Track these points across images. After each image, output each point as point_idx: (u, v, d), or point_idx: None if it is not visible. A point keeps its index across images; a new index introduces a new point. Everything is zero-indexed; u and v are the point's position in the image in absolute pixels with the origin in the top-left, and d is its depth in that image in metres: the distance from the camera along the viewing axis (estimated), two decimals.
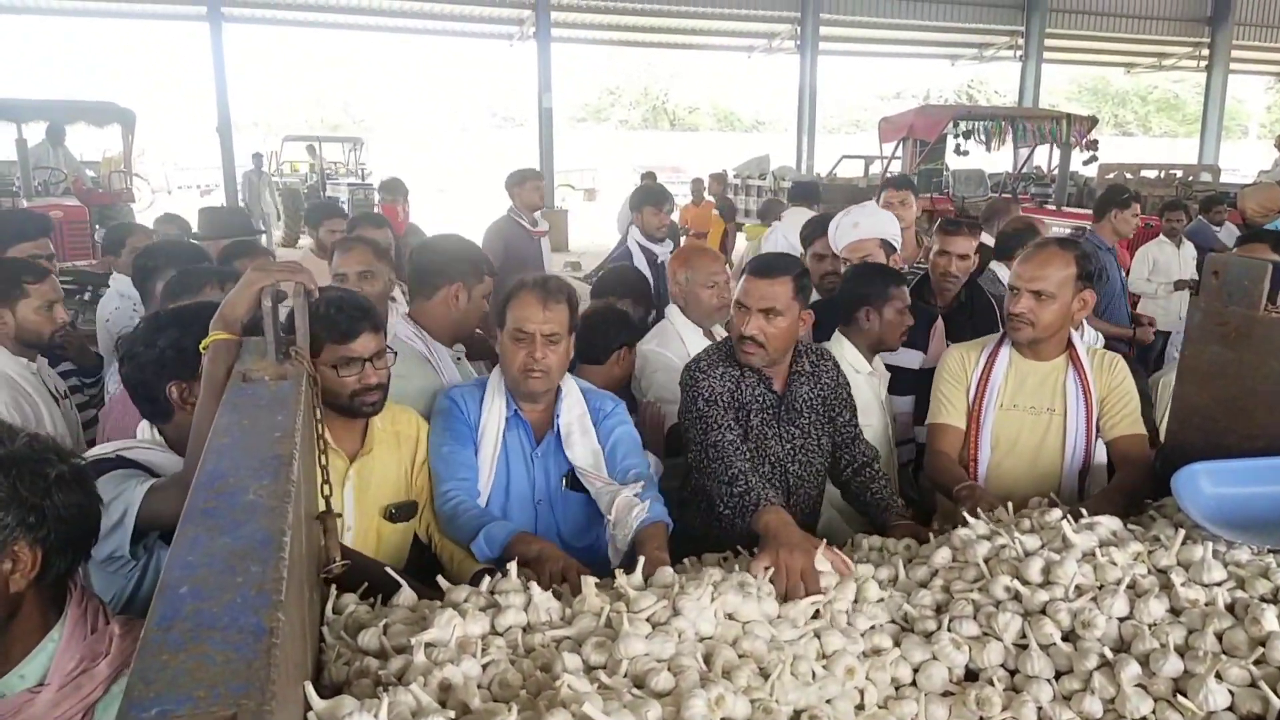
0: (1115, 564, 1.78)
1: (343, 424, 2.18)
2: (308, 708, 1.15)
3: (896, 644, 1.67)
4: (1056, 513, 2.03)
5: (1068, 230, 9.35)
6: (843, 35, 20.21)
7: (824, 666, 1.56)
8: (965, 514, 2.04)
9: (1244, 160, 25.34)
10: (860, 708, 1.54)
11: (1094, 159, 12.71)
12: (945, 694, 1.60)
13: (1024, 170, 13.56)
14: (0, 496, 1.34)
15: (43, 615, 1.44)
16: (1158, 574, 1.78)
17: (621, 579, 1.70)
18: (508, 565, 1.74)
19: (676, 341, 3.21)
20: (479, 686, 1.37)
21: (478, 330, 3.27)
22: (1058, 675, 1.60)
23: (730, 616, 1.62)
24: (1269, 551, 1.81)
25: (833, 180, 13.70)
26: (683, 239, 8.74)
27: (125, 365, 1.96)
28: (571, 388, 2.46)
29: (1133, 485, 2.40)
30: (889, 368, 3.27)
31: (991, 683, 1.57)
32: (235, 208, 7.67)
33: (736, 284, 2.63)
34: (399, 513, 2.31)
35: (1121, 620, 1.66)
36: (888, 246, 3.53)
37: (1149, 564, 1.81)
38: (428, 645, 1.44)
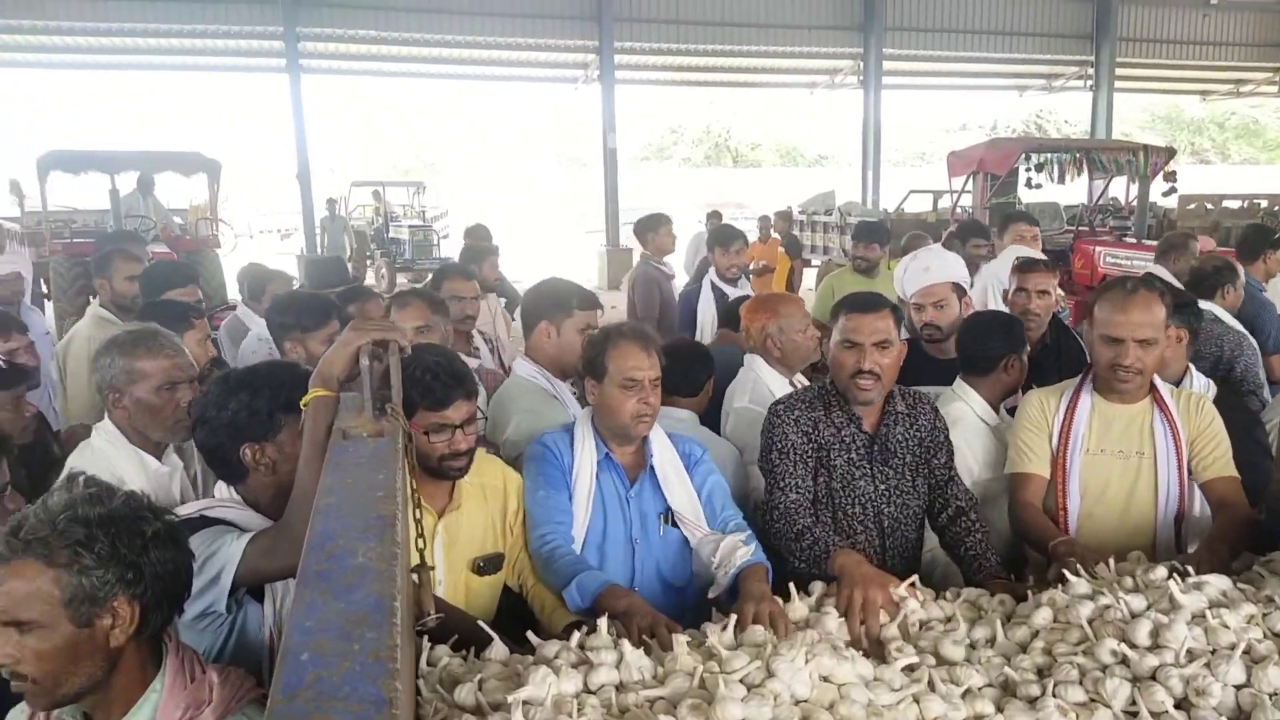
0: (1228, 627, 1.70)
1: (432, 482, 2.22)
2: None
3: (999, 709, 1.62)
4: (1161, 570, 1.95)
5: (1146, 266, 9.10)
6: (907, 70, 20.11)
7: None
8: (1066, 571, 1.97)
9: None
10: None
11: (1174, 190, 12.36)
12: None
13: (1100, 202, 13.25)
14: (100, 555, 1.40)
15: (142, 668, 1.49)
16: (1274, 638, 1.70)
17: (713, 637, 1.69)
18: (599, 621, 1.74)
19: (766, 393, 3.19)
20: None
21: None
22: None
23: (825, 679, 1.59)
24: None
25: (900, 215, 13.55)
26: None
27: (199, 430, 1.96)
28: (656, 431, 2.53)
29: (1235, 534, 2.30)
30: None
31: None
32: (334, 257, 7.91)
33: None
34: (487, 565, 2.34)
35: (1238, 688, 1.59)
36: (959, 289, 3.46)
37: (1265, 627, 1.73)
38: (524, 703, 1.45)
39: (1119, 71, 19.76)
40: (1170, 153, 11.59)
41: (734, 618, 1.80)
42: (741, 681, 1.53)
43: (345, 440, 1.57)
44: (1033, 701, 1.62)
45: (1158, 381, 2.55)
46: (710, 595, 2.27)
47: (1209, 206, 12.43)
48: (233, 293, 6.06)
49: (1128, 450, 2.54)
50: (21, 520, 1.43)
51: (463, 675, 1.61)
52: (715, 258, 5.28)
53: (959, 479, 2.64)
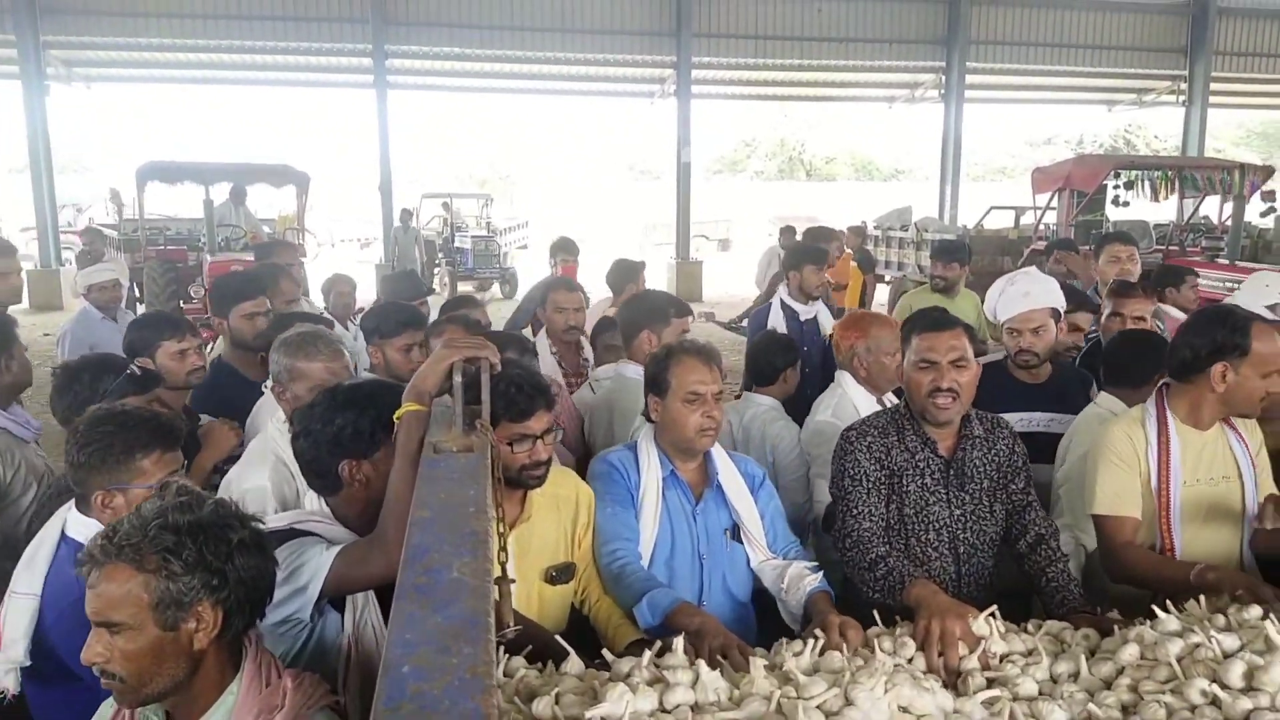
0: None
1: (506, 493, 2.26)
2: None
3: None
4: (1256, 610, 1.89)
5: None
6: (990, 83, 19.70)
7: None
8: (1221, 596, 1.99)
9: None
10: None
11: (1272, 210, 11.87)
12: None
13: (1191, 221, 12.80)
14: (188, 561, 1.47)
15: (222, 671, 1.56)
16: None
17: (790, 662, 1.69)
18: (673, 640, 1.76)
19: (851, 410, 3.22)
20: None
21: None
22: None
23: (904, 709, 1.58)
24: None
25: (980, 232, 13.28)
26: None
27: (301, 441, 2.00)
28: (718, 449, 2.59)
29: None
30: (1044, 435, 3.18)
31: None
32: (409, 271, 8.07)
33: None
34: (559, 575, 2.38)
35: None
36: (1056, 315, 3.39)
37: None
38: (601, 719, 1.47)
39: (1214, 86, 19.04)
40: (1269, 171, 11.16)
41: (811, 641, 1.79)
42: (819, 709, 1.53)
43: (436, 455, 1.62)
44: None
45: None
46: (790, 624, 2.32)
47: None
48: (319, 302, 6.25)
49: (1217, 477, 2.49)
50: (116, 526, 1.51)
51: (539, 688, 1.64)
52: (805, 275, 5.08)
53: (1038, 505, 2.59)
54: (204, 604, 1.49)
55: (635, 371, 3.36)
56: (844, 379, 3.37)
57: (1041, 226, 11.53)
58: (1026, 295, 3.35)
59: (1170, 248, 11.36)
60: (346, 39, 16.06)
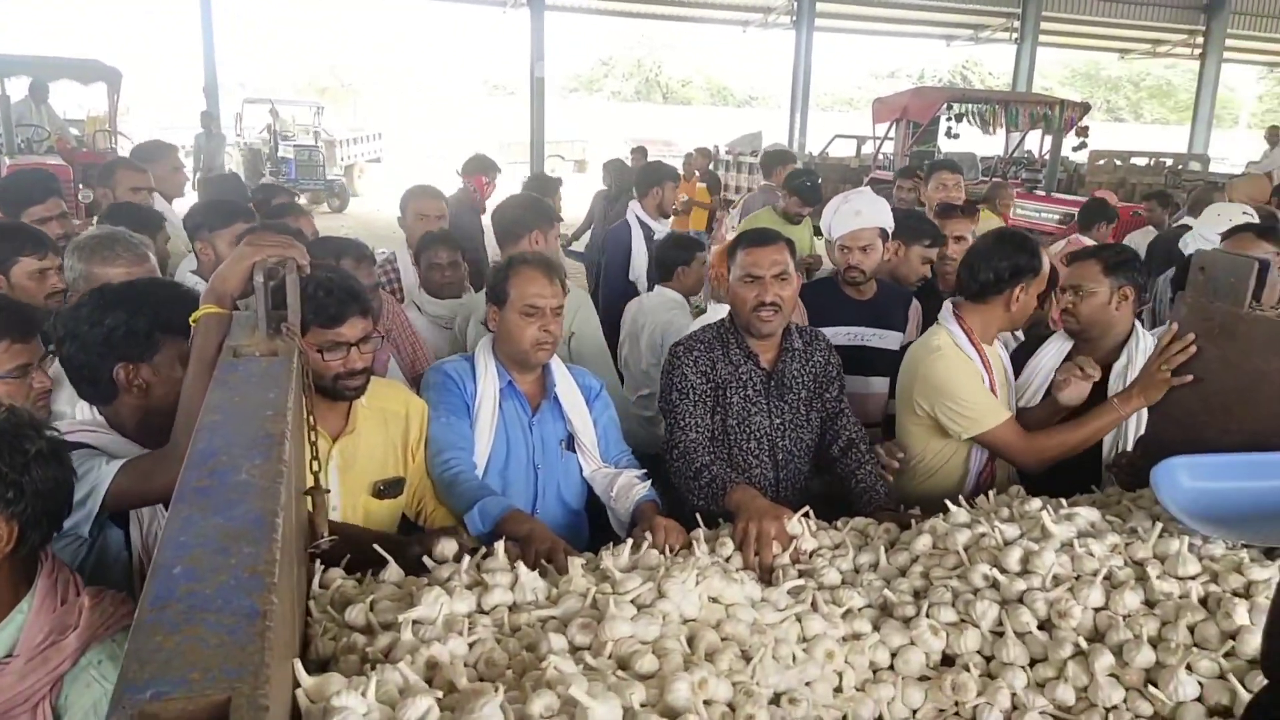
0: (1093, 555, 1.81)
1: (326, 404, 2.18)
2: (296, 684, 1.16)
3: (876, 629, 1.70)
4: (1036, 502, 2.06)
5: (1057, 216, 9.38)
6: (839, 12, 20.08)
7: (804, 650, 1.59)
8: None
9: (1234, 150, 25.43)
10: (838, 690, 1.57)
11: (1084, 145, 12.73)
12: (922, 679, 1.63)
13: (1015, 155, 13.57)
14: None
15: (14, 588, 1.45)
16: (1134, 566, 1.82)
17: (607, 560, 1.72)
18: (495, 544, 1.76)
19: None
20: (465, 665, 1.39)
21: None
22: (1032, 663, 1.63)
23: (714, 599, 1.64)
24: (1243, 546, 1.84)
25: (824, 159, 13.65)
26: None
27: (67, 345, 1.86)
28: (556, 361, 2.59)
29: None
30: (867, 349, 3.33)
31: (967, 669, 1.60)
32: (230, 175, 7.66)
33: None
34: (387, 489, 2.32)
35: (1097, 610, 1.69)
36: (884, 235, 3.52)
37: (1125, 556, 1.84)
38: (415, 623, 1.46)
39: (1044, 25, 20.07)
40: (1085, 108, 11.90)
41: (629, 542, 1.83)
42: (633, 602, 1.57)
43: (236, 359, 1.53)
44: (908, 621, 1.71)
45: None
46: (619, 532, 2.38)
47: (1117, 163, 12.84)
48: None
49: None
50: None
51: (356, 596, 1.61)
52: (666, 192, 5.29)
53: (849, 411, 2.72)
54: None
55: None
56: (719, 311, 3.27)
57: (880, 156, 11.94)
58: (858, 214, 3.45)
59: (994, 179, 12.01)
60: None
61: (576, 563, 1.71)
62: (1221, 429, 2.23)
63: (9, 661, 1.41)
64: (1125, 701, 1.52)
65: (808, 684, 1.51)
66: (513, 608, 1.60)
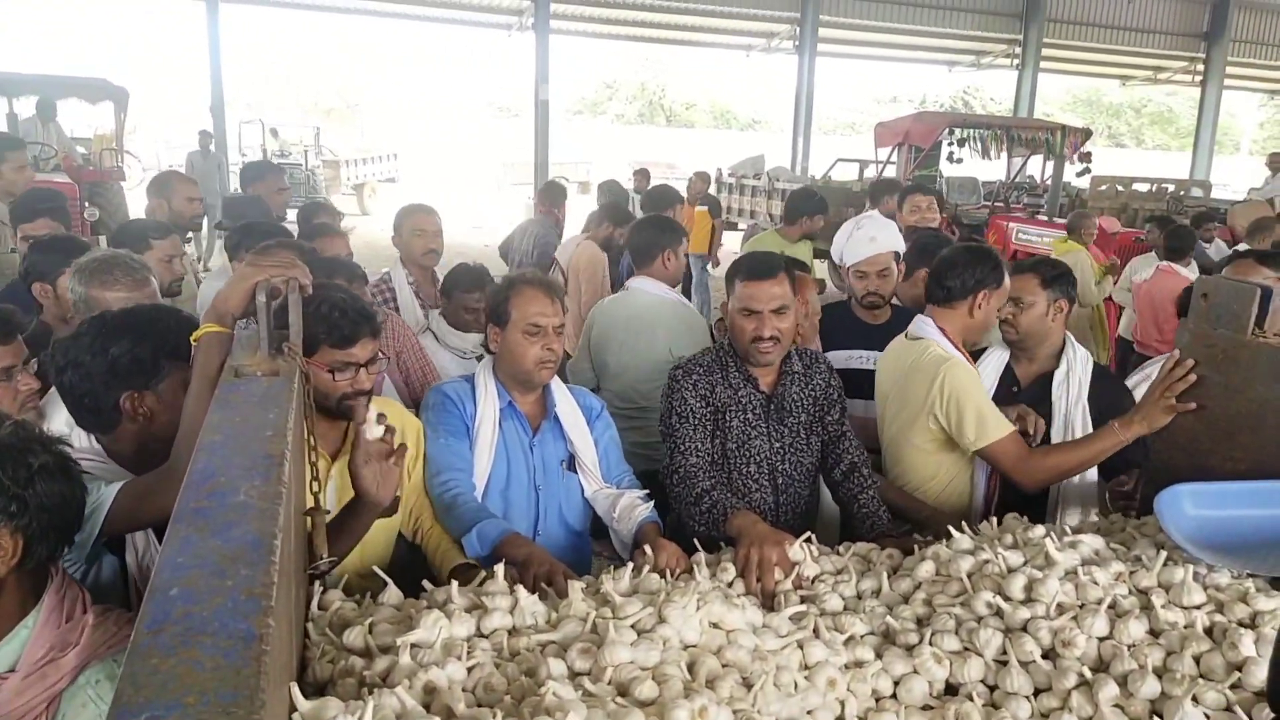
0: (1097, 583, 1.79)
1: (326, 424, 2.18)
2: (293, 708, 1.15)
3: (878, 656, 1.68)
4: (1040, 529, 2.05)
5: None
6: (841, 38, 20.22)
7: (806, 677, 1.57)
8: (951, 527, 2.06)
9: (1235, 176, 25.54)
10: (840, 719, 1.55)
11: (1087, 171, 12.77)
12: (925, 708, 1.61)
13: (1017, 179, 13.61)
14: None
15: (21, 602, 1.44)
16: (1138, 594, 1.80)
17: (607, 584, 1.71)
18: (495, 567, 1.75)
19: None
20: (463, 690, 1.38)
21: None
22: (1036, 693, 1.61)
23: (715, 625, 1.63)
24: (1248, 576, 1.83)
25: (827, 183, 13.70)
26: None
27: (69, 373, 1.82)
28: (557, 381, 2.58)
29: None
30: (873, 373, 3.30)
31: (971, 698, 1.58)
32: (254, 197, 7.75)
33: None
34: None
35: (1101, 640, 1.68)
36: (897, 256, 3.52)
37: (1130, 584, 1.83)
38: (413, 646, 1.45)
39: (1045, 52, 20.22)
40: (1086, 134, 11.95)
41: (630, 566, 1.82)
42: (633, 627, 1.56)
43: (237, 379, 1.53)
44: (911, 649, 1.69)
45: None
46: (622, 554, 2.35)
47: (1119, 188, 12.87)
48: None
49: None
50: None
51: (354, 619, 1.60)
52: (677, 214, 5.82)
53: (851, 435, 2.71)
54: (1, 531, 1.37)
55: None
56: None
57: (880, 180, 11.96)
58: (873, 240, 3.43)
59: (996, 204, 12.05)
60: None
61: (576, 586, 1.69)
62: (1226, 456, 2.22)
63: (8, 677, 1.40)
64: None
65: (809, 712, 1.49)
66: (512, 631, 1.59)
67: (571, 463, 2.56)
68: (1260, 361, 2.16)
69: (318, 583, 1.71)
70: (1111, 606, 1.73)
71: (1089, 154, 12.23)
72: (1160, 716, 1.50)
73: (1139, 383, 3.00)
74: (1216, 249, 7.84)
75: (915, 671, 1.64)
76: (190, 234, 4.66)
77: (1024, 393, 2.90)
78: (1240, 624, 1.67)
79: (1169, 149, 46.62)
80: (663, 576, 1.86)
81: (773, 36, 19.64)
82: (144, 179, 14.91)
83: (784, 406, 2.60)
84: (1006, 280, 2.77)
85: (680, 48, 24.04)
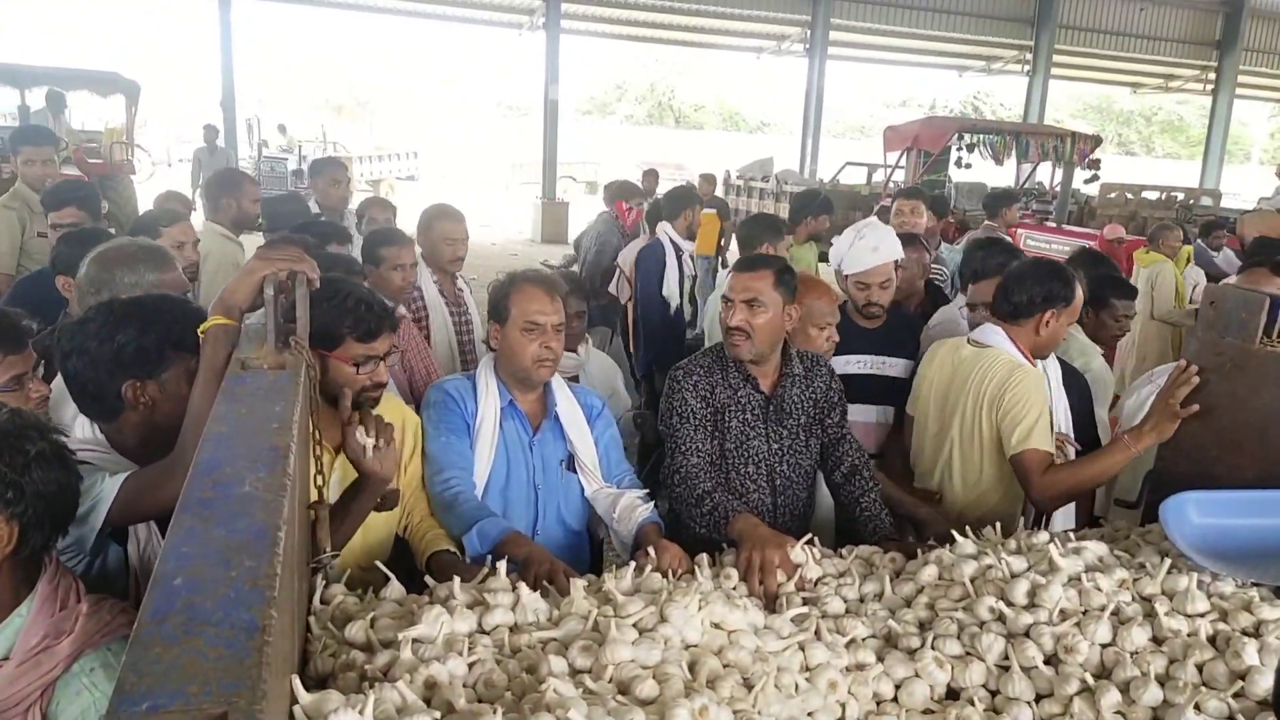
0: (1100, 590, 1.79)
1: (330, 416, 2.18)
2: (294, 700, 1.15)
3: (880, 659, 1.68)
4: (1044, 535, 2.04)
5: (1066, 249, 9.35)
6: (852, 41, 20.18)
7: (807, 679, 1.57)
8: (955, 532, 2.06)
9: (1245, 185, 25.44)
10: None
11: (1096, 178, 12.75)
12: (926, 711, 1.61)
13: (1026, 185, 13.58)
14: None
15: (14, 590, 1.44)
16: (1142, 601, 1.80)
17: (609, 583, 1.71)
18: (497, 565, 1.75)
19: None
20: (464, 686, 1.38)
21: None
22: (1038, 698, 1.61)
23: (717, 625, 1.63)
24: (1252, 585, 1.82)
25: (835, 186, 13.70)
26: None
27: (73, 360, 1.81)
28: (557, 380, 2.57)
29: None
30: (878, 378, 3.31)
31: (972, 703, 1.58)
32: (292, 194, 7.84)
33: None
34: (384, 501, 2.30)
35: (1104, 646, 1.67)
36: (897, 264, 3.51)
37: (1134, 591, 1.82)
38: (414, 641, 1.45)
39: (1056, 58, 20.17)
40: (1096, 141, 11.92)
41: (632, 565, 1.82)
42: (635, 626, 1.56)
43: (244, 371, 1.53)
44: (912, 653, 1.69)
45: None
46: (621, 555, 2.35)
47: (1129, 196, 12.84)
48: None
49: None
50: None
51: (356, 613, 1.60)
52: (695, 214, 5.74)
53: (852, 437, 2.71)
54: None
55: None
56: None
57: (890, 184, 11.96)
58: (875, 250, 3.37)
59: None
60: None
61: (578, 584, 1.70)
62: (1232, 465, 2.21)
63: (2, 665, 1.41)
64: None
65: (810, 714, 1.49)
66: (514, 628, 1.59)
67: (571, 462, 2.55)
68: (1268, 370, 2.16)
69: (320, 576, 1.71)
70: (1115, 613, 1.73)
71: (1098, 161, 12.20)
72: None
73: (1149, 394, 2.98)
74: (1225, 258, 7.81)
75: (917, 675, 1.64)
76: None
77: None
78: (1244, 633, 1.67)
79: (1179, 157, 46.50)
80: (665, 576, 1.86)
81: (783, 39, 19.62)
82: (153, 173, 14.98)
83: (783, 408, 2.60)
84: (1078, 296, 2.72)
85: (690, 49, 24.04)
